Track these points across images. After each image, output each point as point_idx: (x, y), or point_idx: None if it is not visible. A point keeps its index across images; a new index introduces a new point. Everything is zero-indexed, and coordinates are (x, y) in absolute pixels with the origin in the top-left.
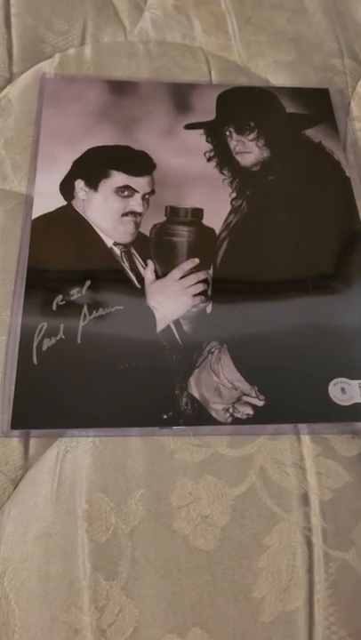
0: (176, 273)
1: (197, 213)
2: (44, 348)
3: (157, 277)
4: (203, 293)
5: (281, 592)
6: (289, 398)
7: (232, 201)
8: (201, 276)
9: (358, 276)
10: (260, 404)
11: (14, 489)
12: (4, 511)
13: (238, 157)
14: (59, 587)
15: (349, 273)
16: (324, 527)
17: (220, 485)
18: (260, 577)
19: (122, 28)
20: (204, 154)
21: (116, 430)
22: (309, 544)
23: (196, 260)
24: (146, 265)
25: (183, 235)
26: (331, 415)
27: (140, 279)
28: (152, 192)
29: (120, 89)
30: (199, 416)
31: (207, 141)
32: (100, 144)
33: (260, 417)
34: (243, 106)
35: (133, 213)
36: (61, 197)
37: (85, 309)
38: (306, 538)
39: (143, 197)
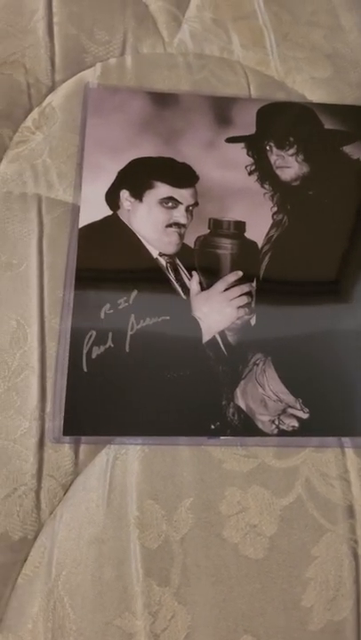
0: (220, 285)
1: (240, 226)
2: (94, 355)
3: (202, 289)
4: (247, 306)
5: (329, 602)
6: (333, 412)
7: (273, 215)
8: (245, 288)
9: None
10: (305, 416)
11: (65, 494)
12: (56, 516)
13: (278, 172)
14: (112, 591)
15: None
16: None
17: (268, 495)
18: (309, 586)
19: (161, 40)
20: (246, 167)
21: (164, 439)
22: (355, 555)
23: (240, 273)
24: (191, 276)
25: (227, 247)
26: None
27: (186, 290)
28: (195, 204)
29: (162, 100)
30: (246, 427)
31: (248, 155)
32: (144, 155)
33: (305, 429)
34: (282, 121)
35: (178, 225)
36: (107, 207)
37: (133, 319)
38: (352, 549)
39: (187, 209)
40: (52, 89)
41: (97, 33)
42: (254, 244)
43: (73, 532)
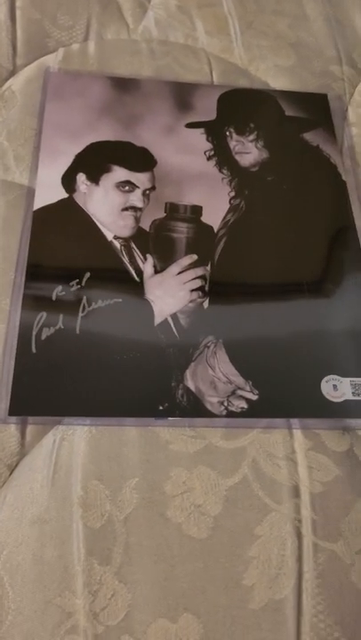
0: (174, 268)
1: (197, 211)
2: (43, 337)
3: (156, 272)
4: (200, 289)
5: (271, 580)
6: (282, 393)
7: (231, 200)
8: (199, 271)
9: (351, 278)
10: (255, 398)
11: (10, 474)
12: (0, 496)
13: (238, 157)
14: (53, 571)
15: (343, 274)
16: (314, 519)
17: (214, 476)
18: (251, 565)
19: (125, 26)
20: (205, 153)
21: (112, 420)
22: (299, 535)
23: (195, 256)
24: (145, 259)
25: (182, 231)
26: (322, 411)
27: (139, 273)
28: (152, 188)
29: (123, 86)
30: (194, 408)
31: (207, 140)
32: (102, 139)
33: (254, 411)
34: (243, 107)
35: (134, 208)
36: (63, 190)
37: (85, 301)
38: (296, 529)
39: (144, 193)
40: (12, 73)
41: (60, 18)
42: (210, 228)
43: (16, 512)
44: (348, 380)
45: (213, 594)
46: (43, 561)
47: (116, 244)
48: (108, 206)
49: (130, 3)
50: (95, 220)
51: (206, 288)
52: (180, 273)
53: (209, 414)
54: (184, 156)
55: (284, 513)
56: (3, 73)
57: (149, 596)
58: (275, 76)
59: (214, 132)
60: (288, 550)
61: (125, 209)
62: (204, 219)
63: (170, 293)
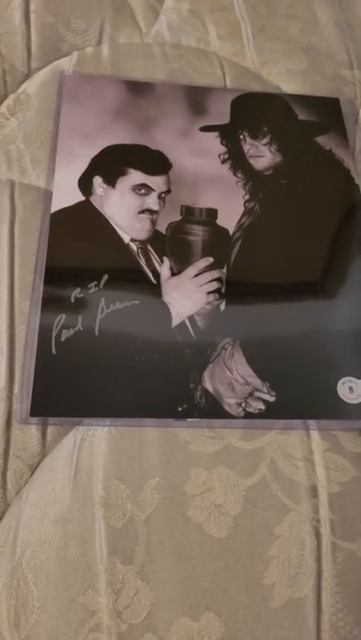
0: (191, 271)
1: (212, 214)
2: (63, 338)
3: (173, 274)
4: (216, 291)
5: (290, 579)
6: (299, 395)
7: (245, 203)
8: (215, 274)
9: None
10: (272, 399)
11: (31, 475)
12: (22, 496)
13: (252, 161)
14: (76, 570)
15: (357, 276)
16: (332, 518)
17: (233, 476)
18: (271, 564)
19: (138, 30)
20: (219, 156)
21: (132, 420)
22: (318, 534)
23: (211, 259)
24: (162, 262)
25: (198, 234)
26: (339, 412)
27: (156, 275)
28: (168, 191)
29: (137, 89)
30: (213, 409)
31: (222, 144)
32: (118, 142)
33: (272, 412)
34: (256, 111)
35: (150, 211)
36: (80, 193)
37: (103, 303)
38: (314, 528)
39: (159, 196)
40: (27, 76)
41: (74, 22)
42: (225, 231)
43: (38, 512)
44: None
45: (234, 593)
46: (66, 560)
47: (133, 246)
48: (124, 209)
49: (142, 6)
50: (112, 223)
51: (223, 290)
52: (196, 275)
53: (227, 415)
54: (199, 159)
55: (302, 513)
56: (18, 76)
57: (171, 595)
58: (287, 79)
59: (228, 135)
60: (307, 550)
61: (142, 212)
62: (220, 222)
63: (187, 295)
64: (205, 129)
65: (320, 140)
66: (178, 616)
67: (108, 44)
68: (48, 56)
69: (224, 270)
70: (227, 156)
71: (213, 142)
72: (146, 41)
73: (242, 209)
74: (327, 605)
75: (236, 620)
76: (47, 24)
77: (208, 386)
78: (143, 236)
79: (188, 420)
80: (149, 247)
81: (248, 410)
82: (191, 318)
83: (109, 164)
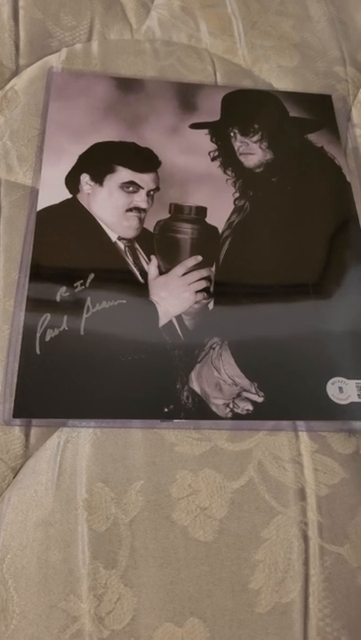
0: (179, 269)
1: (201, 212)
2: (47, 338)
3: (161, 273)
4: (205, 290)
5: (277, 584)
6: (288, 395)
7: (235, 201)
8: (203, 273)
9: (357, 279)
10: (260, 400)
11: (14, 477)
12: (4, 499)
13: (242, 158)
14: (58, 574)
15: (348, 276)
16: (320, 522)
17: (220, 478)
18: (257, 569)
19: (128, 27)
20: (209, 153)
21: (117, 422)
22: (306, 538)
23: (199, 258)
24: (149, 260)
25: (187, 232)
26: (328, 413)
27: (144, 274)
28: (157, 189)
29: (127, 86)
30: (200, 410)
31: (212, 141)
32: (106, 139)
33: (260, 413)
34: (247, 108)
35: (138, 209)
36: (67, 190)
37: (89, 302)
38: (302, 532)
39: (148, 194)
40: (15, 73)
41: (63, 18)
42: (215, 229)
43: (20, 515)
44: (354, 382)
45: (220, 598)
46: (47, 564)
47: (121, 244)
48: (112, 207)
49: (133, 3)
50: (99, 221)
51: (211, 289)
52: (184, 274)
53: (214, 416)
54: (188, 156)
55: (290, 516)
56: (6, 73)
57: (155, 600)
58: (278, 76)
59: (218, 132)
60: (295, 553)
61: (130, 210)
62: (209, 220)
63: (174, 295)
64: (195, 126)
65: (312, 137)
66: (162, 621)
67: (97, 40)
68: (37, 52)
69: (213, 269)
70: (217, 153)
71: (203, 139)
72: (136, 37)
73: (232, 207)
74: (315, 611)
75: (222, 625)
76: (36, 20)
77: (195, 386)
78: (131, 234)
79: (175, 421)
80: (137, 246)
81: (236, 411)
82: (179, 318)
83: (97, 162)
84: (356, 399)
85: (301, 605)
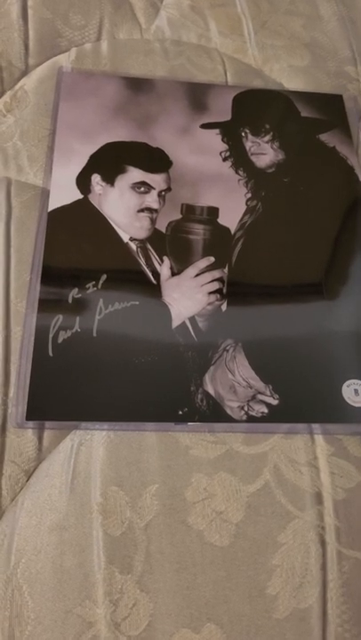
0: (192, 270)
1: (213, 212)
2: (60, 340)
3: (173, 274)
4: (218, 291)
5: (295, 589)
6: (303, 398)
7: (247, 201)
8: (216, 274)
9: None
10: (275, 402)
11: (27, 480)
12: (18, 502)
13: (254, 158)
14: (73, 579)
15: None
16: (338, 526)
17: (235, 482)
18: (275, 574)
19: (138, 26)
20: (220, 153)
21: (131, 424)
22: (323, 542)
23: (212, 259)
24: (162, 261)
25: (199, 233)
26: (344, 416)
27: (156, 275)
28: (168, 189)
29: (137, 86)
30: (214, 413)
31: (223, 141)
32: (117, 139)
33: (275, 416)
34: (258, 108)
35: (149, 210)
36: (78, 191)
37: (101, 303)
38: (319, 536)
39: (159, 194)
40: (25, 73)
41: (72, 17)
42: (227, 230)
43: (34, 519)
44: None
45: (237, 603)
46: (62, 569)
47: (132, 245)
48: (123, 208)
49: (142, 2)
50: (111, 222)
51: (224, 290)
52: (197, 275)
53: (229, 419)
54: (199, 156)
55: (307, 520)
56: (15, 72)
57: (171, 606)
58: (289, 76)
59: (230, 132)
60: (312, 558)
61: (141, 210)
62: (221, 220)
63: (187, 296)
64: (206, 126)
65: (323, 137)
66: (178, 627)
67: (107, 40)
68: (46, 52)
69: (225, 270)
70: (228, 153)
71: (215, 140)
72: (146, 37)
73: (243, 207)
74: (333, 616)
75: (239, 631)
76: (45, 20)
77: (209, 389)
78: (143, 235)
79: (189, 424)
80: (149, 246)
81: (251, 413)
82: (192, 319)
83: (108, 162)
84: None
85: (320, 611)
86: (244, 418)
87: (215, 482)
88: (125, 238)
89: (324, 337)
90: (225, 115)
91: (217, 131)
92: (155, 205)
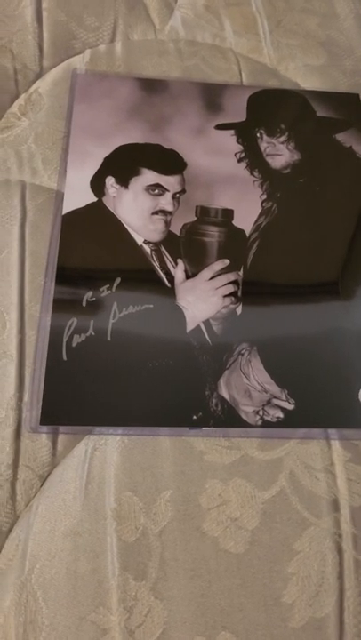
0: (206, 273)
1: (228, 214)
2: (74, 344)
3: (187, 277)
4: (233, 294)
5: (311, 598)
6: (319, 403)
7: (262, 203)
8: (231, 277)
9: None
10: (291, 407)
11: (41, 485)
12: (32, 507)
13: (269, 159)
14: (87, 585)
15: None
16: (355, 534)
17: (250, 488)
18: (291, 582)
19: (152, 27)
20: (235, 154)
21: (145, 429)
22: (340, 550)
23: (227, 261)
24: (176, 264)
25: (213, 235)
26: None
27: (170, 278)
28: (183, 191)
29: (151, 87)
30: (229, 418)
31: (238, 142)
32: (131, 141)
33: (291, 421)
34: (273, 108)
35: (164, 212)
36: (92, 194)
37: (115, 307)
38: (336, 544)
39: (174, 196)
40: (39, 75)
41: (87, 19)
42: (242, 232)
43: (48, 525)
44: None
45: (252, 611)
46: (76, 575)
47: (147, 248)
48: (137, 210)
49: (156, 3)
50: (125, 224)
51: (239, 293)
52: (211, 278)
53: (244, 424)
54: (214, 158)
55: (323, 527)
56: (29, 75)
57: (186, 614)
58: (305, 75)
59: (245, 133)
60: (329, 566)
61: (155, 213)
62: (236, 222)
63: (202, 299)
64: (221, 127)
65: (340, 137)
66: (193, 636)
67: (121, 41)
68: (60, 54)
69: (240, 272)
70: (243, 154)
71: (229, 141)
72: (160, 38)
73: (259, 209)
74: (350, 626)
75: None
76: (59, 22)
77: (224, 393)
78: (157, 237)
79: (204, 429)
80: (163, 249)
81: (266, 418)
82: (206, 322)
83: (122, 164)
84: None
85: (336, 620)
86: (260, 423)
87: (230, 488)
88: (140, 241)
89: (341, 339)
90: (240, 115)
91: (232, 131)
92: (169, 208)
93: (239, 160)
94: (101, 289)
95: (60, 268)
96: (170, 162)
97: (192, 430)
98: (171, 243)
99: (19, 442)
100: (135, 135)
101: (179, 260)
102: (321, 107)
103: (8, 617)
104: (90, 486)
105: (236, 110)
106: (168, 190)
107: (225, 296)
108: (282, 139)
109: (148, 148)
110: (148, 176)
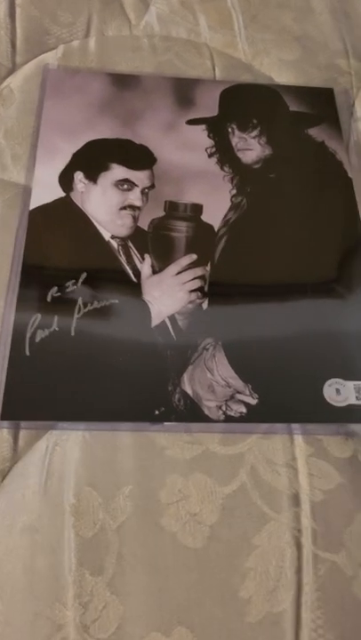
0: (173, 268)
1: (197, 209)
2: (37, 339)
3: (154, 272)
4: (199, 290)
5: (268, 593)
6: (283, 398)
7: (232, 198)
8: (198, 272)
9: (357, 279)
10: (254, 402)
11: (2, 481)
12: None
13: (240, 154)
14: (43, 581)
15: (348, 275)
16: (315, 528)
17: (211, 483)
18: (248, 577)
19: (127, 22)
20: (206, 150)
21: (106, 424)
22: (299, 545)
23: (194, 256)
24: (143, 259)
25: (182, 230)
26: (325, 416)
27: (137, 273)
28: (152, 186)
29: (123, 82)
30: (191, 413)
31: (209, 137)
32: (101, 137)
33: (254, 415)
34: (246, 103)
35: (132, 207)
36: (60, 189)
37: (80, 302)
38: (295, 539)
39: (142, 191)
40: (11, 71)
41: (60, 15)
42: (210, 227)
43: (6, 520)
44: (352, 383)
45: (209, 606)
46: (33, 571)
47: (114, 243)
48: (105, 205)
49: None
50: (92, 220)
51: (206, 289)
52: (178, 273)
53: (206, 419)
54: (184, 153)
55: (283, 522)
56: (2, 71)
57: (142, 609)
58: (279, 70)
59: (216, 128)
60: (287, 561)
61: (124, 208)
62: (205, 217)
63: (168, 294)
64: (192, 122)
65: (312, 132)
66: (148, 631)
67: (95, 36)
68: (34, 50)
69: (208, 268)
70: (214, 149)
71: (200, 136)
72: (135, 33)
73: (228, 204)
74: (307, 621)
75: (210, 635)
76: (33, 17)
77: (187, 388)
78: (124, 232)
79: (165, 424)
80: (130, 244)
81: (229, 413)
82: (172, 318)
83: (91, 159)
84: (354, 401)
85: (293, 615)
86: (222, 418)
87: (190, 483)
88: (107, 236)
89: (307, 336)
90: (212, 110)
91: (203, 126)
92: (137, 203)
93: (210, 155)
94: (67, 284)
95: (26, 264)
96: (139, 157)
97: (154, 425)
98: (138, 238)
99: None
100: (105, 130)
101: (146, 256)
102: (295, 101)
103: None
104: (49, 482)
105: (208, 105)
106: (137, 185)
107: (191, 291)
108: (253, 133)
109: (118, 143)
110: (117, 171)
